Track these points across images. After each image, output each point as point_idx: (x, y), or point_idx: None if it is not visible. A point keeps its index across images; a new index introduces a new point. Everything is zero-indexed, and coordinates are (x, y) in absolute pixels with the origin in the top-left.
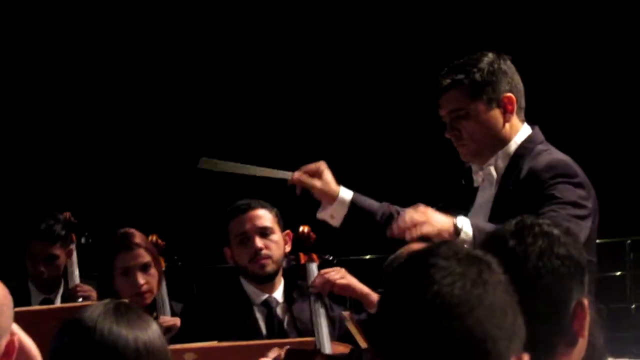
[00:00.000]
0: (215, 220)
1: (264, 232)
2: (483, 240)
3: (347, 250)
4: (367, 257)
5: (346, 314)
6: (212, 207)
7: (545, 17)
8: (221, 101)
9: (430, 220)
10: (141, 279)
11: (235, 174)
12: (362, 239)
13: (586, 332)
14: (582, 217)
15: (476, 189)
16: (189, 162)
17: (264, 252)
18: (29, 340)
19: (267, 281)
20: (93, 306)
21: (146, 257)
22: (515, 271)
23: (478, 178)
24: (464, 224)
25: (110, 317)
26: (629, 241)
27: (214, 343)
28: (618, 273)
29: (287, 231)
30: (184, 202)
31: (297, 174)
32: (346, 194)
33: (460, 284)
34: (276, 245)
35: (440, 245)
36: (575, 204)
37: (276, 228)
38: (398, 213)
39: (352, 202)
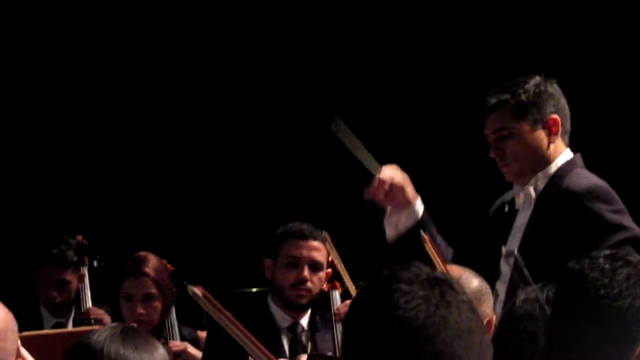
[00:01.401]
0: (233, 243)
1: (315, 267)
2: (575, 259)
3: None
4: None
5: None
6: (223, 234)
7: (592, 43)
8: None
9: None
10: (140, 309)
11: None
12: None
13: None
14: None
15: (516, 212)
16: (199, 184)
17: (308, 284)
18: None
19: (297, 310)
20: (100, 330)
21: (151, 289)
22: (599, 288)
23: (519, 200)
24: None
25: (118, 341)
26: None
27: None
28: None
29: (329, 270)
30: (196, 226)
31: (387, 172)
32: (420, 206)
33: (424, 307)
34: (319, 282)
35: (401, 270)
36: (619, 240)
37: (324, 265)
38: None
39: (422, 219)
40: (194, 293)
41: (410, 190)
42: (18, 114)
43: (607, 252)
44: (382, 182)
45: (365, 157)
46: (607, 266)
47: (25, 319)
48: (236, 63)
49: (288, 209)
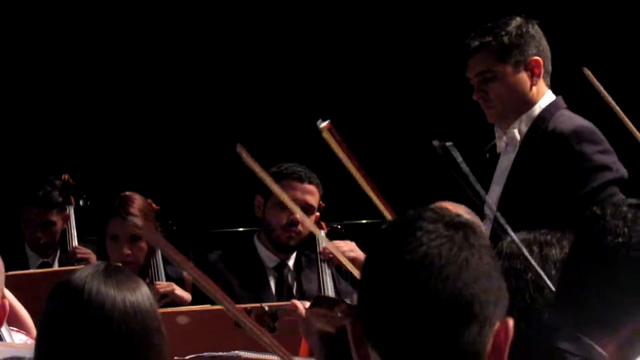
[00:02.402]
0: (215, 185)
1: (307, 210)
2: (600, 205)
3: (356, 216)
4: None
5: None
6: (208, 172)
7: None
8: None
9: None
10: (127, 249)
11: None
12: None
13: None
14: (614, 193)
15: (498, 157)
16: (188, 126)
17: (299, 227)
18: (18, 304)
19: (285, 251)
20: (83, 268)
21: (137, 229)
22: (617, 235)
23: (502, 144)
24: None
25: (99, 278)
26: None
27: (206, 306)
28: None
29: (317, 214)
30: (181, 166)
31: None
32: None
33: (447, 246)
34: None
35: (426, 210)
36: (605, 181)
37: (316, 209)
38: None
39: None
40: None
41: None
42: None
43: (632, 201)
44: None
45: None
46: (629, 215)
47: (11, 259)
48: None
49: (273, 149)
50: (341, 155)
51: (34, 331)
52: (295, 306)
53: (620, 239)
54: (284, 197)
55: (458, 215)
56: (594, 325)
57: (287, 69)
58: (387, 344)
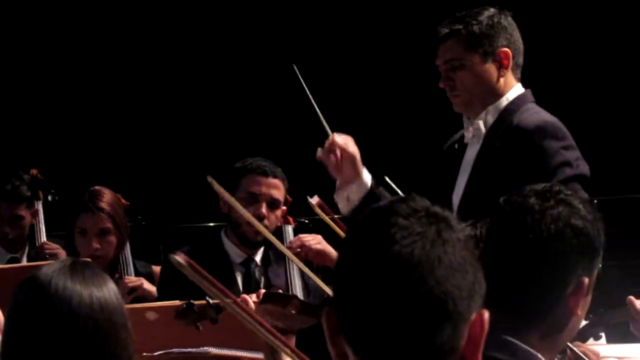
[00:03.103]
0: (196, 173)
1: (273, 204)
2: (507, 195)
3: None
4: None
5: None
6: (177, 168)
7: None
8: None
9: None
10: (96, 244)
11: None
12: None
13: (581, 312)
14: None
15: (465, 148)
16: (159, 119)
17: (265, 222)
18: None
19: (252, 246)
20: (50, 264)
21: (106, 223)
22: (527, 229)
23: (469, 134)
24: None
25: (66, 274)
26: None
27: (175, 302)
28: None
29: (284, 208)
30: (150, 161)
31: (337, 138)
32: (367, 177)
33: (420, 244)
34: (276, 219)
35: (399, 203)
36: (570, 175)
37: (282, 203)
38: None
39: (372, 188)
40: (177, 262)
41: (359, 162)
42: None
43: (538, 188)
44: (334, 145)
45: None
46: (536, 207)
47: None
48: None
49: (244, 143)
50: (332, 225)
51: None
52: (246, 301)
53: (530, 235)
54: (249, 216)
55: (432, 206)
56: (518, 320)
57: (260, 62)
58: (360, 340)
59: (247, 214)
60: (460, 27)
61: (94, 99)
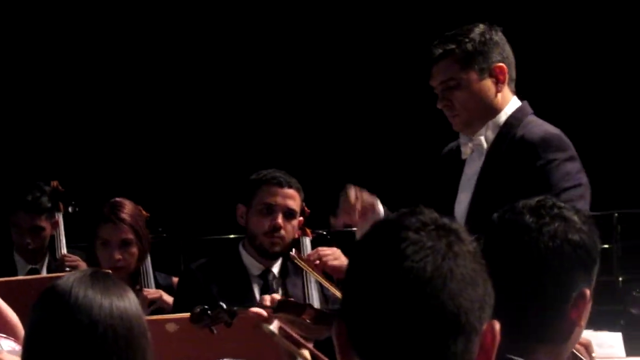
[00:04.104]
0: (207, 192)
1: (289, 215)
2: (501, 211)
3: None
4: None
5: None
6: (197, 180)
7: None
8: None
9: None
10: (117, 254)
11: None
12: None
13: (583, 322)
14: (582, 195)
15: (463, 162)
16: (178, 133)
17: (281, 232)
18: (9, 310)
19: (270, 257)
20: (70, 273)
21: (128, 234)
22: (525, 248)
23: (467, 150)
24: None
25: (86, 283)
26: (616, 214)
27: None
28: (605, 246)
29: (301, 218)
30: (171, 173)
31: (353, 194)
32: (381, 208)
33: (431, 259)
34: (292, 230)
35: (409, 216)
36: (574, 184)
37: (298, 213)
38: None
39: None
40: (270, 331)
41: (377, 202)
42: None
43: (532, 204)
44: (353, 208)
45: None
46: (532, 225)
47: None
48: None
49: (263, 156)
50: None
51: (22, 336)
52: (259, 313)
53: (529, 254)
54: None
55: (441, 219)
56: (519, 339)
57: (279, 73)
58: (372, 354)
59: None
60: (453, 46)
61: (114, 111)
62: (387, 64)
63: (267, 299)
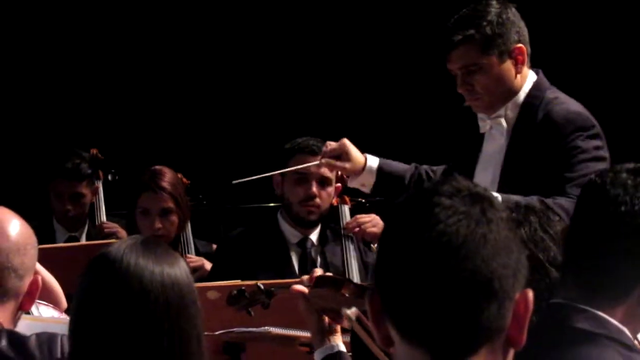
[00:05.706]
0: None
1: (323, 182)
2: (599, 171)
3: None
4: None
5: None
6: (238, 147)
7: None
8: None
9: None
10: (158, 223)
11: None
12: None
13: None
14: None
15: (482, 136)
16: (219, 99)
17: (317, 200)
18: (52, 279)
19: (307, 226)
20: (121, 241)
21: (168, 203)
22: (620, 203)
23: (485, 125)
24: None
25: (137, 251)
26: None
27: (237, 282)
28: None
29: (338, 185)
30: (211, 140)
31: (324, 161)
32: (373, 162)
33: (465, 223)
34: (328, 197)
35: (443, 183)
36: (597, 159)
37: (333, 180)
38: (427, 172)
39: (379, 169)
40: (348, 316)
41: (352, 161)
42: (28, 23)
43: (630, 165)
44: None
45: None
46: (629, 182)
47: (38, 233)
48: None
49: (300, 123)
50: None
51: (64, 304)
52: (299, 290)
53: (622, 208)
54: None
55: (475, 186)
56: (604, 297)
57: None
58: (405, 322)
59: None
60: (472, 31)
61: (156, 78)
62: (383, 54)
63: (306, 279)
